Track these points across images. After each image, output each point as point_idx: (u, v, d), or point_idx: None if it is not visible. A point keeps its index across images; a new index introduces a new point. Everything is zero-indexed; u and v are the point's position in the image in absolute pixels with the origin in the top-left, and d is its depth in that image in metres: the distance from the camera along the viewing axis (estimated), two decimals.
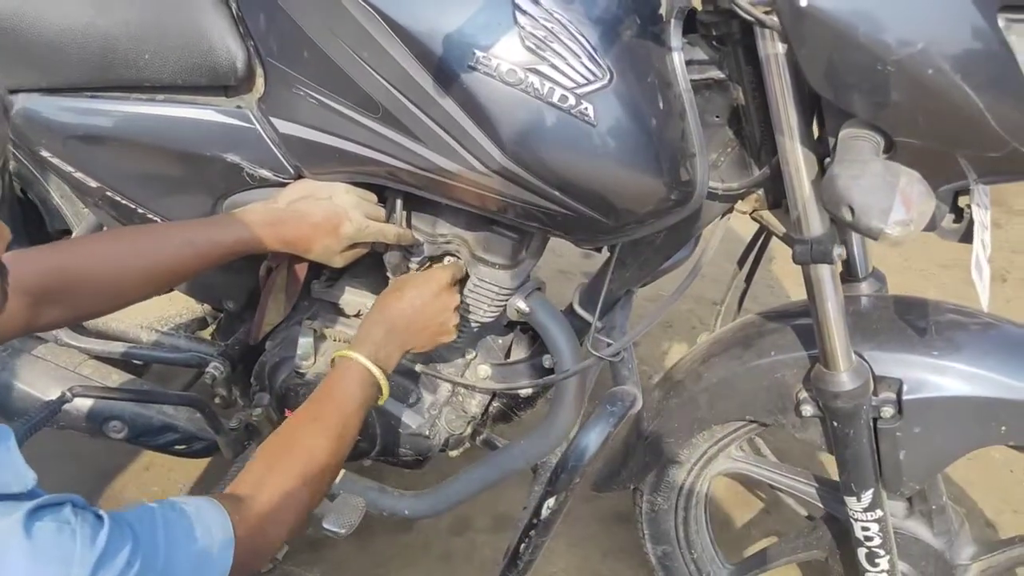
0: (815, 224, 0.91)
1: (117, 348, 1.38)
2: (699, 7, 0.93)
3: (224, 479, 1.23)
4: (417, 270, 1.14)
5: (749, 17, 0.80)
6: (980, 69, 0.73)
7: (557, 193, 0.95)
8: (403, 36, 0.90)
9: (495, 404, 1.32)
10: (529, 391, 1.26)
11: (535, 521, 1.18)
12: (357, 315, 1.21)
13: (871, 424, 1.02)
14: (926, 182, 0.79)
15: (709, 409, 1.17)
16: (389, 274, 1.14)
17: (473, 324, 1.17)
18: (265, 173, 1.08)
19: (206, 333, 1.48)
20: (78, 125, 1.11)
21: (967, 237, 0.89)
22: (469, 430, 1.30)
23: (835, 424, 1.03)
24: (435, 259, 1.15)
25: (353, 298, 1.20)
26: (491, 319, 1.16)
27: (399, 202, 1.10)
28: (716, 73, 0.96)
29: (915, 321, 1.05)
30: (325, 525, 1.09)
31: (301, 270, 1.15)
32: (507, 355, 1.30)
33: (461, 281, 1.14)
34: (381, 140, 0.98)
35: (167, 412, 1.33)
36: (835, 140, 0.84)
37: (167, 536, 0.71)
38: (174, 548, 0.71)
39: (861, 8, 0.74)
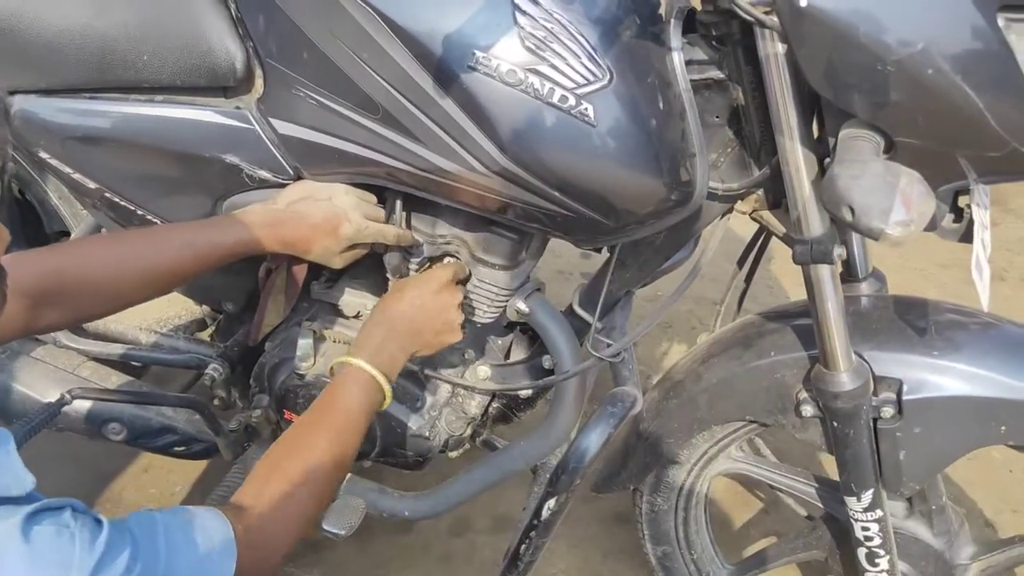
0: (815, 224, 0.91)
1: (116, 350, 1.38)
2: (699, 7, 0.93)
3: (223, 480, 1.24)
4: (417, 271, 1.14)
5: (749, 17, 0.80)
6: (980, 69, 0.73)
7: (557, 194, 0.95)
8: (403, 37, 0.90)
9: (495, 405, 1.32)
10: (529, 392, 1.27)
11: (535, 522, 1.18)
12: (357, 316, 1.21)
13: (871, 424, 1.02)
14: (926, 182, 0.79)
15: (709, 409, 1.16)
16: (389, 275, 1.14)
17: (473, 325, 1.17)
18: (264, 174, 1.08)
19: (205, 334, 1.48)
20: (76, 126, 1.11)
21: (967, 237, 0.89)
22: (469, 431, 1.30)
23: (835, 424, 1.03)
24: (435, 260, 1.15)
25: (352, 299, 1.20)
26: (491, 320, 1.16)
27: (399, 203, 1.10)
28: (716, 73, 0.96)
29: (915, 321, 1.05)
30: (325, 526, 1.09)
31: (300, 271, 1.15)
32: (507, 356, 1.30)
33: (464, 281, 1.13)
34: (381, 141, 0.98)
35: (166, 414, 1.33)
36: (835, 140, 0.84)
37: (168, 542, 0.70)
38: (175, 554, 0.70)
39: (861, 8, 0.74)
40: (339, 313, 1.22)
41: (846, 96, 0.80)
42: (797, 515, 1.42)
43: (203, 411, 1.22)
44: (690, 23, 0.95)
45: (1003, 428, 1.00)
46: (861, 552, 1.11)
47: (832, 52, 0.77)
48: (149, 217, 1.18)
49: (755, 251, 1.33)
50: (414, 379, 1.22)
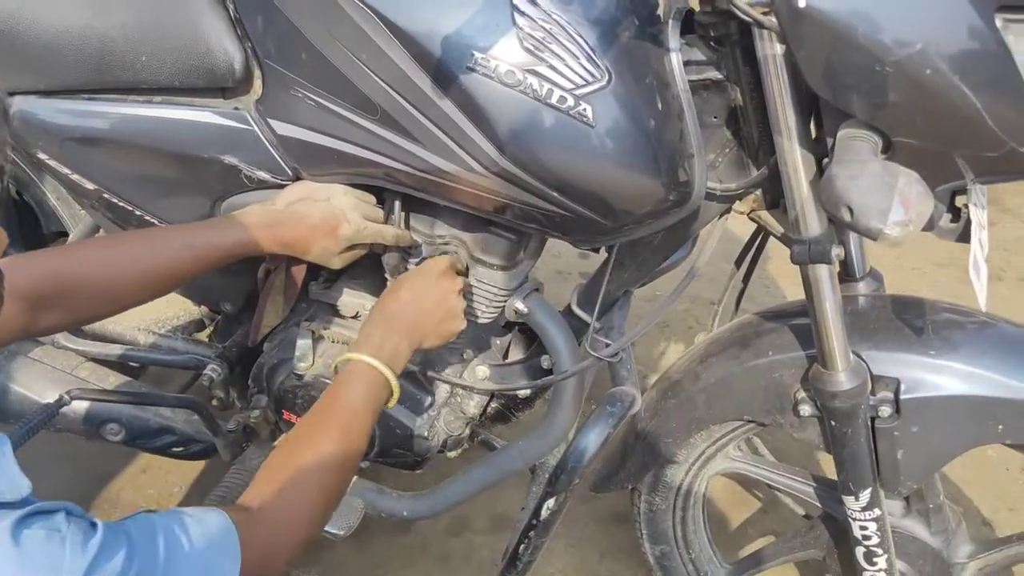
0: (813, 224, 0.92)
1: (114, 350, 1.38)
2: (697, 8, 0.93)
3: (221, 481, 1.24)
4: None
5: (747, 18, 0.81)
6: (978, 69, 0.74)
7: (555, 194, 0.95)
8: (401, 37, 0.90)
9: (493, 405, 1.32)
10: (527, 392, 1.27)
11: (534, 522, 1.18)
12: (355, 316, 1.21)
13: (869, 423, 1.03)
14: (924, 182, 0.80)
15: (707, 409, 1.17)
16: (387, 275, 1.14)
17: (471, 325, 1.17)
18: (263, 175, 1.08)
19: (203, 335, 1.48)
20: (75, 127, 1.11)
21: (964, 236, 0.89)
22: (467, 431, 1.30)
23: (833, 424, 1.03)
24: None
25: (351, 299, 1.20)
26: (489, 320, 1.16)
27: (397, 203, 1.10)
28: (714, 74, 0.96)
29: (912, 320, 1.05)
30: (323, 526, 1.09)
31: (299, 272, 1.15)
32: (505, 356, 1.30)
33: (463, 272, 1.12)
34: (379, 142, 0.98)
35: (165, 414, 1.33)
36: (833, 140, 0.84)
37: (167, 545, 0.69)
38: (174, 557, 0.69)
39: (859, 9, 0.74)
40: (338, 313, 1.22)
41: (844, 96, 0.80)
42: (795, 514, 1.42)
43: (201, 412, 1.22)
44: (688, 24, 0.96)
45: (1000, 427, 1.01)
46: (859, 551, 1.12)
47: (830, 53, 0.77)
48: (147, 218, 1.18)
49: (753, 251, 1.33)
50: (413, 379, 1.22)
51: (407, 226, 1.12)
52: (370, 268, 1.18)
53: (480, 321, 1.16)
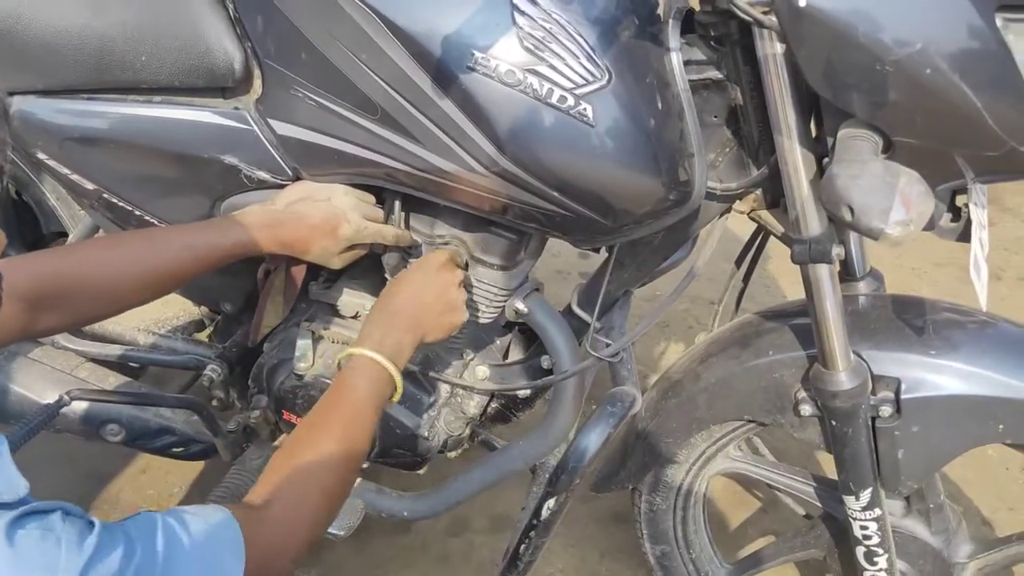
0: (813, 224, 0.92)
1: (114, 351, 1.37)
2: (697, 7, 0.93)
3: (221, 481, 1.24)
4: None
5: (747, 17, 0.81)
6: (978, 69, 0.74)
7: (556, 194, 0.95)
8: (401, 37, 0.90)
9: (493, 405, 1.32)
10: (527, 392, 1.27)
11: (535, 522, 1.18)
12: (355, 316, 1.20)
13: (869, 423, 1.03)
14: (925, 182, 0.80)
15: (707, 409, 1.17)
16: (387, 275, 1.14)
17: (471, 325, 1.17)
18: (263, 175, 1.08)
19: (203, 335, 1.47)
20: (74, 127, 1.10)
21: (964, 236, 0.89)
22: (467, 431, 1.30)
23: (834, 423, 1.03)
24: None
25: (351, 299, 1.20)
26: (489, 320, 1.16)
27: (397, 203, 1.10)
28: (714, 73, 0.96)
29: (913, 320, 1.05)
30: (330, 523, 1.08)
31: (299, 272, 1.15)
32: (505, 356, 1.30)
33: (463, 266, 1.12)
34: (379, 141, 0.98)
35: (164, 415, 1.33)
36: (833, 140, 0.84)
37: (167, 542, 0.68)
38: (174, 554, 0.68)
39: (860, 8, 0.74)
40: (338, 314, 1.21)
41: (845, 96, 0.80)
42: (795, 514, 1.42)
43: (202, 412, 1.22)
44: (688, 23, 0.96)
45: (1001, 426, 1.01)
46: (859, 551, 1.12)
47: (831, 52, 0.77)
48: (147, 218, 1.18)
49: (753, 251, 1.33)
50: (413, 379, 1.22)
51: (407, 226, 1.12)
52: (370, 268, 1.18)
53: (480, 321, 1.16)
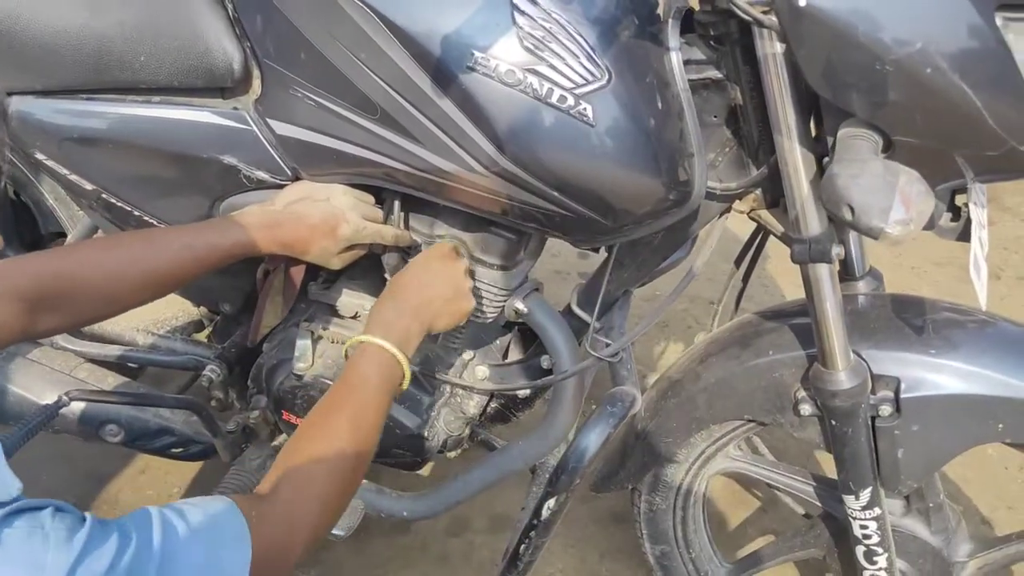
0: (813, 223, 0.92)
1: (113, 351, 1.37)
2: (697, 7, 0.93)
3: (221, 482, 1.24)
4: None
5: (747, 17, 0.81)
6: (978, 68, 0.74)
7: (555, 194, 0.95)
8: (401, 37, 0.90)
9: (493, 405, 1.32)
10: (527, 392, 1.27)
11: (535, 522, 1.18)
12: (355, 317, 1.20)
13: (869, 422, 1.03)
14: (925, 181, 0.80)
15: (707, 409, 1.17)
16: (387, 275, 1.14)
17: (471, 325, 1.17)
18: (262, 175, 1.08)
19: (202, 335, 1.47)
20: (73, 127, 1.10)
21: (964, 235, 0.89)
22: (467, 431, 1.30)
23: (833, 423, 1.03)
24: None
25: (350, 300, 1.20)
26: (489, 320, 1.16)
27: (397, 203, 1.10)
28: (714, 73, 0.96)
29: (912, 320, 1.05)
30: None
31: (298, 272, 1.15)
32: (505, 356, 1.30)
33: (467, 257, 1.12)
34: (379, 141, 0.98)
35: (164, 415, 1.33)
36: (833, 139, 0.84)
37: (164, 534, 0.67)
38: (172, 546, 0.67)
39: (860, 7, 0.74)
40: (337, 314, 1.21)
41: (845, 95, 0.80)
42: (795, 514, 1.42)
43: (201, 412, 1.22)
44: (688, 23, 0.95)
45: (1000, 426, 1.01)
46: (859, 550, 1.12)
47: (831, 51, 0.77)
48: (146, 218, 1.18)
49: (752, 250, 1.33)
50: (413, 379, 1.22)
51: (406, 226, 1.12)
52: (369, 268, 1.18)
53: (480, 321, 1.16)
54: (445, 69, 0.89)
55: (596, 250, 1.21)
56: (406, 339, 0.97)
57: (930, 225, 0.87)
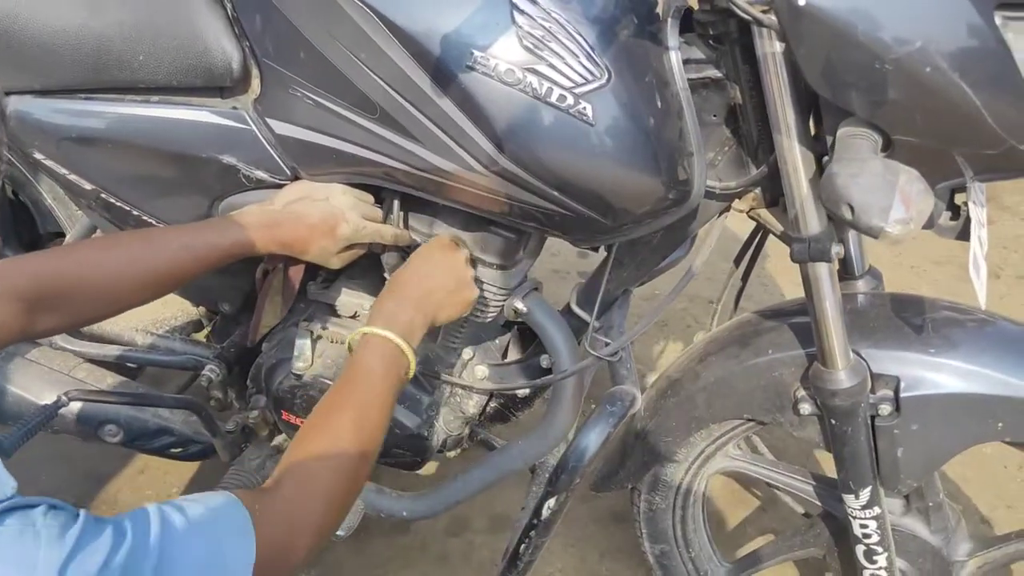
0: (813, 222, 0.92)
1: (112, 351, 1.37)
2: (696, 6, 0.93)
3: (220, 482, 1.24)
4: None
5: (747, 16, 0.81)
6: (977, 67, 0.74)
7: (555, 193, 0.95)
8: (401, 36, 0.90)
9: (492, 404, 1.32)
10: (527, 391, 1.26)
11: (535, 522, 1.18)
12: (354, 316, 1.20)
13: (869, 422, 1.02)
14: (924, 180, 0.80)
15: (707, 408, 1.17)
16: (386, 275, 1.14)
17: (471, 324, 1.17)
18: (261, 175, 1.08)
19: (201, 335, 1.47)
20: (72, 127, 1.10)
21: (963, 234, 0.89)
22: (467, 431, 1.30)
23: (833, 422, 1.03)
24: None
25: (350, 299, 1.19)
26: (489, 319, 1.16)
27: (396, 203, 1.10)
28: (713, 72, 0.96)
29: (912, 319, 1.05)
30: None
31: (297, 272, 1.15)
32: (504, 355, 1.30)
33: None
34: (378, 141, 0.98)
35: (163, 415, 1.33)
36: (833, 138, 0.84)
37: (162, 529, 0.66)
38: (171, 540, 0.66)
39: (859, 7, 0.74)
40: (336, 313, 1.21)
41: (844, 94, 0.80)
42: (795, 513, 1.42)
43: (200, 412, 1.22)
44: (687, 22, 0.95)
45: (1000, 425, 1.01)
46: (859, 549, 1.12)
47: (830, 51, 0.77)
48: (145, 218, 1.18)
49: (752, 250, 1.33)
50: (412, 379, 1.22)
51: (406, 225, 1.12)
52: (369, 268, 1.18)
53: (479, 320, 1.16)
54: (445, 68, 0.89)
55: (595, 249, 1.21)
56: (410, 331, 0.97)
57: (929, 224, 0.87)
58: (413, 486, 1.33)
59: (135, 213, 1.17)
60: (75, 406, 1.24)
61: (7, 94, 1.12)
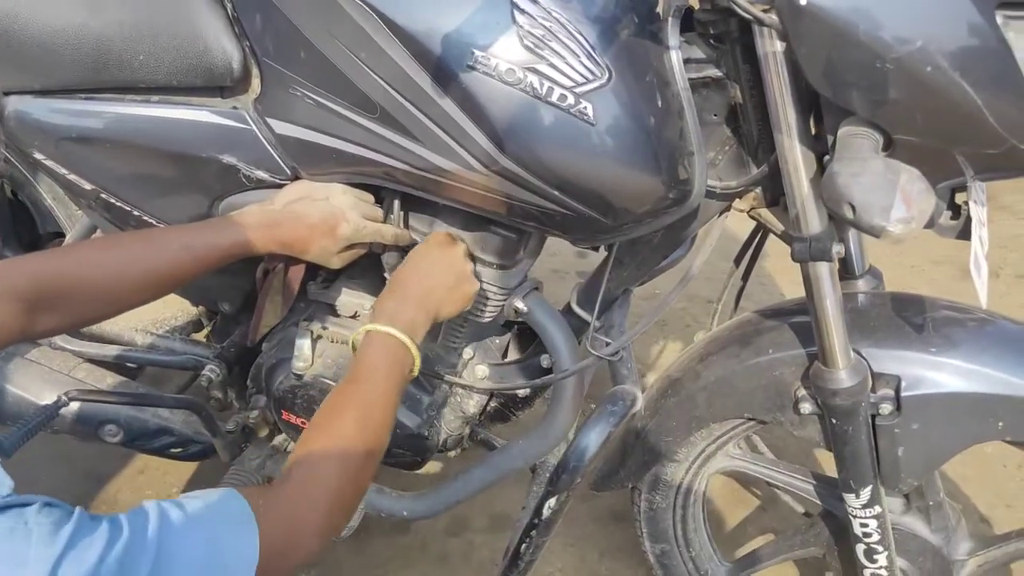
0: (814, 222, 0.92)
1: (112, 351, 1.37)
2: (696, 5, 0.93)
3: (221, 482, 1.23)
4: None
5: (747, 15, 0.80)
6: (978, 66, 0.74)
7: (556, 192, 0.95)
8: (401, 36, 0.89)
9: (493, 404, 1.32)
10: (527, 391, 1.27)
11: (536, 521, 1.18)
12: (354, 316, 1.20)
13: (869, 421, 1.02)
14: (926, 179, 0.80)
15: (707, 407, 1.17)
16: (386, 275, 1.14)
17: (471, 324, 1.17)
18: (261, 174, 1.08)
19: (201, 335, 1.47)
20: (72, 127, 1.10)
21: (964, 234, 0.89)
22: (467, 430, 1.30)
23: (834, 421, 1.03)
24: None
25: (350, 299, 1.19)
26: (489, 319, 1.16)
27: (396, 202, 1.10)
28: (714, 71, 0.96)
29: (912, 318, 1.05)
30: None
31: (298, 272, 1.15)
32: (504, 355, 1.30)
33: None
34: (379, 140, 0.97)
35: (163, 415, 1.33)
36: (834, 138, 0.84)
37: (161, 525, 0.66)
38: (169, 537, 0.66)
39: (860, 6, 0.74)
40: (336, 313, 1.21)
41: (845, 94, 0.80)
42: (795, 512, 1.43)
43: (200, 412, 1.22)
44: (688, 21, 0.95)
45: (1000, 424, 1.01)
46: (859, 548, 1.12)
47: (831, 50, 0.77)
48: (145, 218, 1.17)
49: (752, 249, 1.33)
50: (412, 378, 1.22)
51: (406, 225, 1.12)
52: (369, 268, 1.18)
53: (480, 320, 1.16)
54: (445, 68, 0.89)
55: (596, 249, 1.21)
56: (412, 327, 0.97)
57: (930, 223, 0.87)
58: (413, 486, 1.33)
59: (135, 213, 1.17)
60: (75, 406, 1.24)
61: (6, 94, 1.12)
